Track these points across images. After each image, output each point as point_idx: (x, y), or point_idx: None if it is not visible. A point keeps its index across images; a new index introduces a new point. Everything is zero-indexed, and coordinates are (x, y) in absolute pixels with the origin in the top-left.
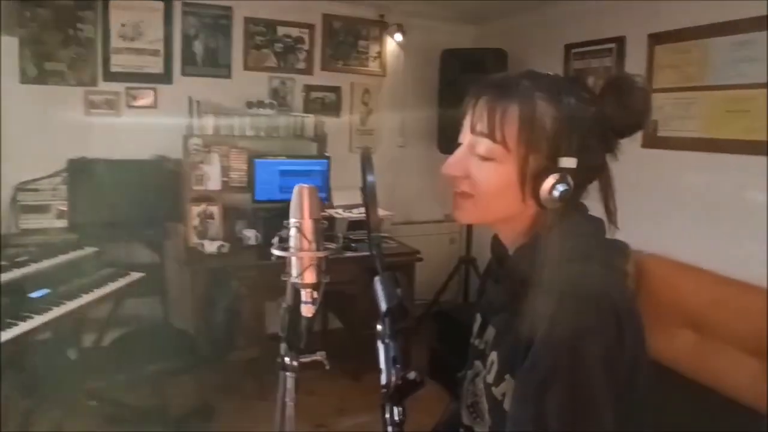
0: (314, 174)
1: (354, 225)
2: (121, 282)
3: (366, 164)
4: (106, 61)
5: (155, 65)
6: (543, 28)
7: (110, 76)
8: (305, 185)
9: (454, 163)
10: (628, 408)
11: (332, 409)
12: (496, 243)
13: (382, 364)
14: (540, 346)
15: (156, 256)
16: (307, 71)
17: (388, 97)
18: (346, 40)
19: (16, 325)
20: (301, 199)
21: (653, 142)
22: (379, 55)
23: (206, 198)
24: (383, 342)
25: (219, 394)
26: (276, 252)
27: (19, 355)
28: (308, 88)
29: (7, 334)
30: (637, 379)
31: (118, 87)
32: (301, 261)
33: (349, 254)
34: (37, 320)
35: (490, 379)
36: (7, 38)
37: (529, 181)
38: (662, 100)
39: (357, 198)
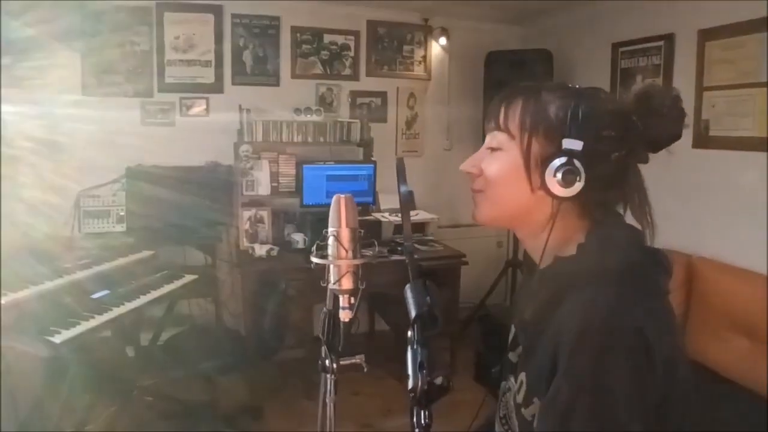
0: (360, 178)
1: (400, 229)
2: (175, 284)
3: (400, 174)
4: (161, 72)
5: (207, 75)
6: (589, 26)
7: (165, 87)
8: (342, 195)
9: (470, 160)
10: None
11: (378, 410)
12: (528, 258)
13: (410, 370)
14: (564, 374)
15: (209, 259)
16: (353, 77)
17: (434, 100)
18: (390, 46)
19: (78, 324)
20: (338, 209)
21: (704, 141)
22: (424, 59)
23: (256, 203)
24: (412, 348)
25: (268, 393)
26: (315, 260)
27: (82, 352)
28: (354, 94)
29: (70, 333)
30: (672, 402)
31: (173, 97)
32: (338, 268)
33: (395, 257)
34: (98, 319)
35: (519, 399)
36: (71, 53)
37: (535, 168)
38: (714, 98)
39: None
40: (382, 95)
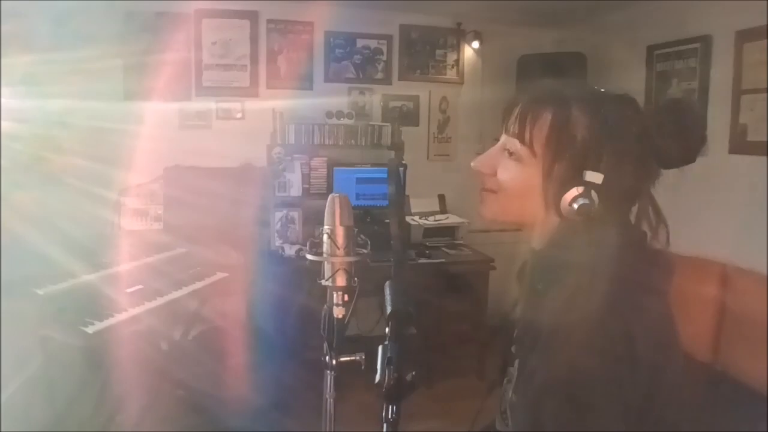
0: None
1: (429, 232)
2: (207, 281)
3: (390, 176)
4: (199, 77)
5: (242, 80)
6: (624, 29)
7: (202, 91)
8: (337, 194)
9: (484, 159)
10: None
11: (402, 414)
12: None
13: (378, 365)
14: (542, 355)
15: (240, 258)
16: (386, 81)
17: (466, 104)
18: (423, 50)
19: (112, 316)
20: (333, 208)
21: (742, 147)
22: (457, 62)
23: (288, 203)
24: (383, 343)
25: (294, 391)
26: (309, 256)
27: (117, 344)
28: (386, 98)
29: (104, 324)
30: (659, 404)
31: (209, 101)
32: (332, 265)
33: (422, 261)
34: (131, 312)
35: (513, 385)
36: (114, 61)
37: (552, 189)
38: (752, 101)
39: (434, 205)
40: (414, 99)
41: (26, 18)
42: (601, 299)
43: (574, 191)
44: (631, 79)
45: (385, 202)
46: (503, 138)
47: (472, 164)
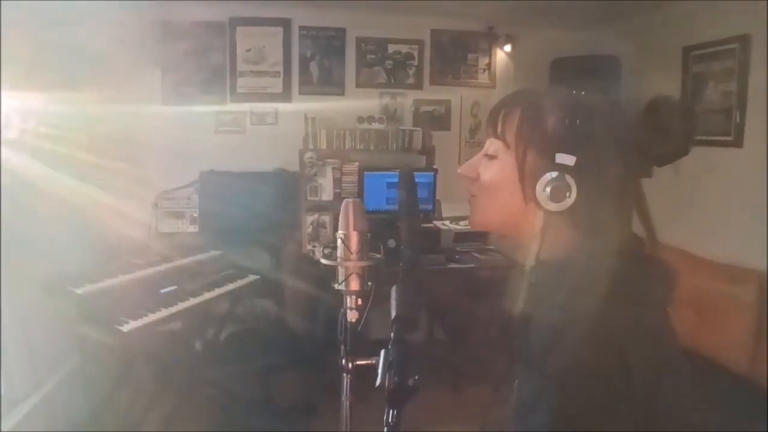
0: (420, 186)
1: (460, 236)
2: (238, 283)
3: (402, 182)
4: (233, 83)
5: (275, 86)
6: (659, 30)
7: (236, 97)
8: (351, 200)
9: (467, 164)
10: None
11: (428, 418)
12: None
13: (379, 369)
14: (532, 377)
15: (272, 261)
16: (417, 86)
17: None
18: (454, 54)
19: (146, 315)
20: (347, 213)
21: None
22: (488, 66)
23: (319, 208)
24: (386, 347)
25: (321, 393)
26: (323, 261)
27: (151, 344)
28: (418, 103)
29: (138, 323)
30: (658, 420)
31: (244, 106)
32: (345, 269)
33: (452, 266)
34: (164, 312)
35: (513, 406)
36: (152, 66)
37: (527, 179)
38: None
39: (466, 210)
40: (446, 103)
41: (68, 26)
42: (594, 320)
43: (547, 176)
44: (667, 81)
45: (417, 207)
46: (486, 144)
47: (458, 170)
